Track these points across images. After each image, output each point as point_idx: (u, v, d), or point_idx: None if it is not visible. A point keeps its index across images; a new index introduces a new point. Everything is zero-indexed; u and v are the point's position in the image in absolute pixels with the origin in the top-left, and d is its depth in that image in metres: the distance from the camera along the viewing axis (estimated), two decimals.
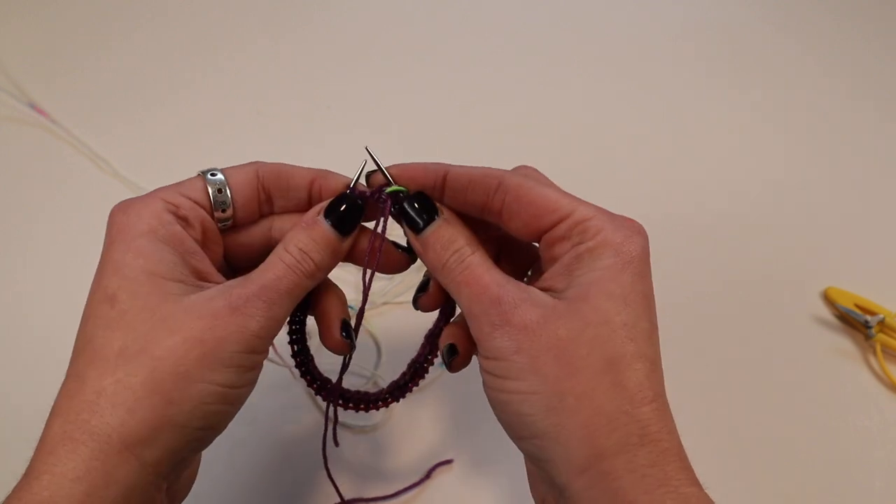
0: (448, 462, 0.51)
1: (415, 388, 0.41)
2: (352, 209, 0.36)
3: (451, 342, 0.37)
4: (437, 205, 0.36)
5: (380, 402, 0.41)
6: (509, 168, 0.37)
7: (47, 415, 0.30)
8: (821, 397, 0.57)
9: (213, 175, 0.35)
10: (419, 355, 0.41)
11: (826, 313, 0.62)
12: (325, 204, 0.36)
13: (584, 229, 0.33)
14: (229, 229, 0.37)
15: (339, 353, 0.39)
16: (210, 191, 0.35)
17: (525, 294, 0.32)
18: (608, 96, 0.78)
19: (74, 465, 0.28)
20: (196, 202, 0.35)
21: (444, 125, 0.73)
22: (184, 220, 0.34)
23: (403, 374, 0.41)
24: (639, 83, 0.79)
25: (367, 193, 0.37)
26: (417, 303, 0.39)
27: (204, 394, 0.30)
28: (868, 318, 0.59)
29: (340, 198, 0.36)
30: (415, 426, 0.52)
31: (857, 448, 0.54)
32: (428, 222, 0.35)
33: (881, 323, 0.59)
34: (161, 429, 0.29)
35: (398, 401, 0.41)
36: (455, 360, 0.37)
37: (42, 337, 0.55)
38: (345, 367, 0.40)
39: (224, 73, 0.75)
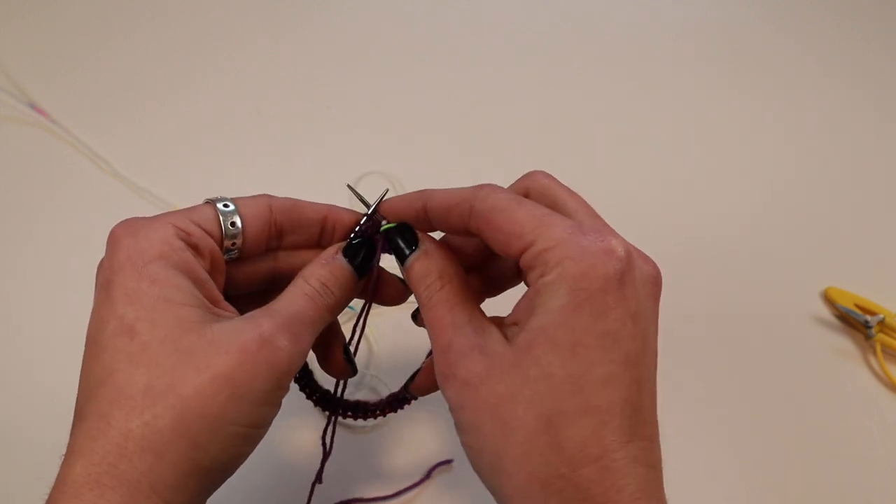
0: (448, 462, 0.51)
1: (413, 402, 0.41)
2: (369, 252, 0.36)
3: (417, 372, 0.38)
4: (419, 235, 0.35)
5: (378, 412, 0.41)
6: (525, 170, 0.36)
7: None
8: (821, 397, 0.57)
9: (225, 206, 0.34)
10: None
11: (826, 313, 0.62)
12: (343, 244, 0.36)
13: (546, 260, 0.29)
14: (233, 260, 0.36)
15: (340, 378, 0.39)
16: (222, 221, 0.34)
17: (479, 340, 0.31)
18: (608, 97, 0.78)
19: None
20: (207, 231, 0.34)
21: (444, 125, 0.73)
22: (194, 248, 0.33)
23: (403, 386, 0.41)
24: (637, 83, 0.79)
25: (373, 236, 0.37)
26: (416, 319, 0.38)
27: (231, 436, 0.29)
28: (868, 318, 0.59)
29: (361, 240, 0.36)
30: (414, 427, 0.52)
31: (857, 448, 0.54)
32: (408, 255, 0.35)
33: (881, 323, 0.59)
34: (189, 474, 0.29)
35: (396, 412, 0.41)
36: (414, 385, 0.38)
37: (41, 336, 0.55)
38: (344, 383, 0.41)
39: (224, 73, 0.75)
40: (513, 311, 0.32)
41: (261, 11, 0.82)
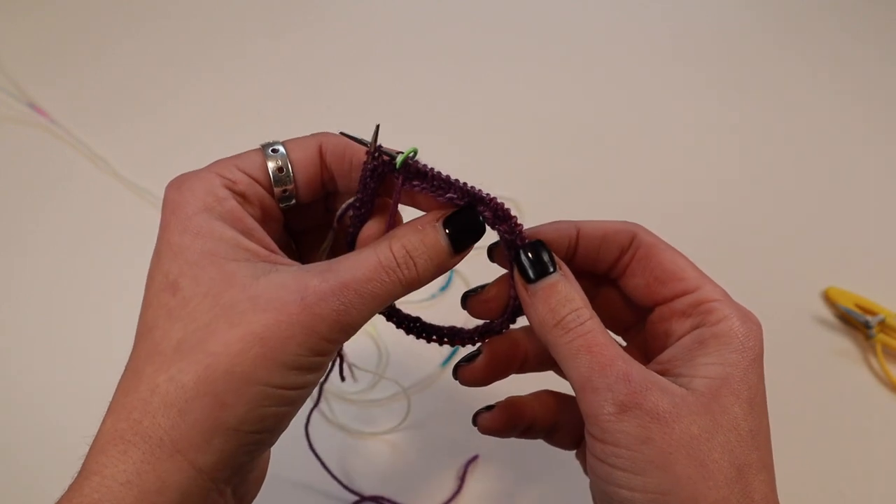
0: (475, 459, 0.51)
1: (511, 326, 0.37)
2: (476, 228, 0.32)
3: (546, 423, 0.36)
4: (556, 258, 0.33)
5: (475, 339, 0.37)
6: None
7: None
8: (821, 397, 0.57)
9: (273, 150, 0.32)
10: (513, 298, 0.36)
11: (826, 313, 0.62)
12: (447, 212, 0.32)
13: (709, 311, 0.31)
14: (292, 208, 0.33)
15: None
16: (270, 167, 0.32)
17: (651, 377, 0.30)
18: (608, 98, 0.78)
19: (125, 467, 0.26)
20: (254, 179, 0.31)
21: (443, 125, 0.73)
22: (241, 197, 0.31)
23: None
24: (638, 85, 0.79)
25: (486, 201, 0.33)
26: (458, 373, 0.36)
27: (260, 397, 0.27)
28: (868, 318, 0.59)
29: (466, 212, 0.32)
30: (428, 428, 0.52)
31: (857, 448, 0.54)
32: (542, 273, 0.32)
33: (882, 323, 0.59)
34: (213, 433, 0.27)
35: (501, 332, 0.37)
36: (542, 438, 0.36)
37: (41, 335, 0.55)
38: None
39: (224, 74, 0.75)
40: (655, 360, 0.32)
41: (260, 12, 0.82)
